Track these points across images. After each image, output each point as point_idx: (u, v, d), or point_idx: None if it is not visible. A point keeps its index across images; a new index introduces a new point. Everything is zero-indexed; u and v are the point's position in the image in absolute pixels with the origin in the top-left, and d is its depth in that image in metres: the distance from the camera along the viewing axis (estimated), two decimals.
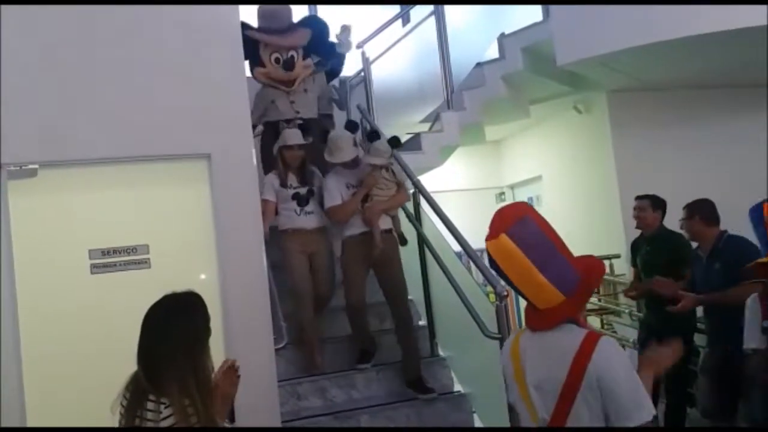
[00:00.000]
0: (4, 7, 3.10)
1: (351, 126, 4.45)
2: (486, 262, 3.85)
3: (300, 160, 4.21)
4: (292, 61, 4.67)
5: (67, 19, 3.21)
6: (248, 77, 4.97)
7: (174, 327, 2.07)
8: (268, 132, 4.64)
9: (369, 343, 4.22)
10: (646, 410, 1.84)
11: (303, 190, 4.19)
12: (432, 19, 6.04)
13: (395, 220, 4.28)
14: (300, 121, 4.46)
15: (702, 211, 4.12)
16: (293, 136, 4.20)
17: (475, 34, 6.64)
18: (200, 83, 3.37)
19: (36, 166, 3.15)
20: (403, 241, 4.30)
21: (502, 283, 2.68)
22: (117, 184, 3.35)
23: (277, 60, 4.68)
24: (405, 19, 6.83)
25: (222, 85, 3.42)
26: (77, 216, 3.30)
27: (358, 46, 6.15)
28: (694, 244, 4.27)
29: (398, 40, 6.55)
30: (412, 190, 4.43)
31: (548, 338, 1.96)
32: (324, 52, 5.18)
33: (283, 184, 4.18)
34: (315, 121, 4.70)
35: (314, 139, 4.35)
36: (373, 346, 4.23)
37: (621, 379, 1.85)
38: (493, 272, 2.14)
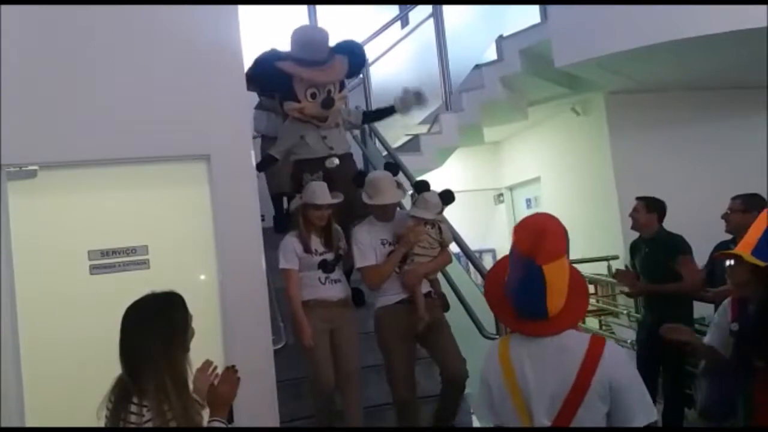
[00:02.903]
0: (4, 7, 3.10)
1: (392, 167, 3.85)
2: (485, 262, 3.92)
3: (327, 220, 3.65)
4: (330, 96, 4.08)
5: (67, 20, 3.21)
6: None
7: (151, 327, 2.09)
8: (297, 170, 4.09)
9: None
10: (652, 410, 1.85)
11: (330, 256, 3.61)
12: (431, 21, 6.07)
13: (435, 282, 3.68)
14: (337, 161, 4.05)
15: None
16: (322, 194, 3.58)
17: (474, 36, 6.67)
18: (199, 84, 3.37)
19: (36, 167, 3.15)
20: (446, 306, 3.69)
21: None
22: (116, 185, 3.35)
23: (313, 95, 4.08)
24: (404, 21, 6.86)
25: (221, 86, 3.41)
26: (77, 217, 3.30)
27: None
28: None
29: (397, 42, 6.57)
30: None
31: (550, 344, 1.88)
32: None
33: (307, 249, 3.58)
34: (348, 156, 4.19)
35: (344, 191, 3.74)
36: None
37: (631, 382, 1.85)
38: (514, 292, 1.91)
